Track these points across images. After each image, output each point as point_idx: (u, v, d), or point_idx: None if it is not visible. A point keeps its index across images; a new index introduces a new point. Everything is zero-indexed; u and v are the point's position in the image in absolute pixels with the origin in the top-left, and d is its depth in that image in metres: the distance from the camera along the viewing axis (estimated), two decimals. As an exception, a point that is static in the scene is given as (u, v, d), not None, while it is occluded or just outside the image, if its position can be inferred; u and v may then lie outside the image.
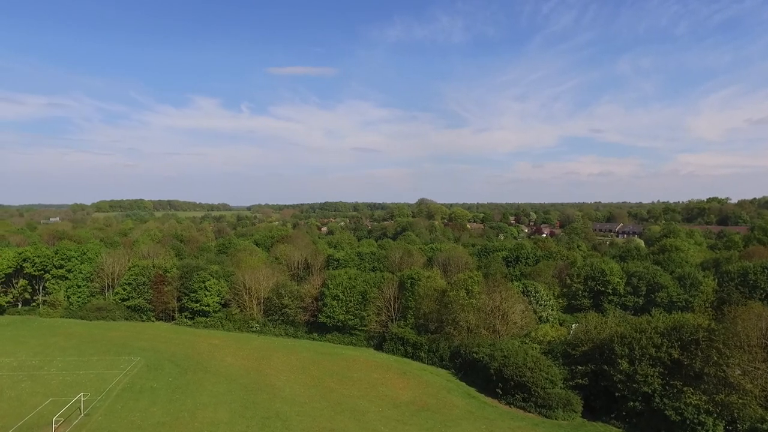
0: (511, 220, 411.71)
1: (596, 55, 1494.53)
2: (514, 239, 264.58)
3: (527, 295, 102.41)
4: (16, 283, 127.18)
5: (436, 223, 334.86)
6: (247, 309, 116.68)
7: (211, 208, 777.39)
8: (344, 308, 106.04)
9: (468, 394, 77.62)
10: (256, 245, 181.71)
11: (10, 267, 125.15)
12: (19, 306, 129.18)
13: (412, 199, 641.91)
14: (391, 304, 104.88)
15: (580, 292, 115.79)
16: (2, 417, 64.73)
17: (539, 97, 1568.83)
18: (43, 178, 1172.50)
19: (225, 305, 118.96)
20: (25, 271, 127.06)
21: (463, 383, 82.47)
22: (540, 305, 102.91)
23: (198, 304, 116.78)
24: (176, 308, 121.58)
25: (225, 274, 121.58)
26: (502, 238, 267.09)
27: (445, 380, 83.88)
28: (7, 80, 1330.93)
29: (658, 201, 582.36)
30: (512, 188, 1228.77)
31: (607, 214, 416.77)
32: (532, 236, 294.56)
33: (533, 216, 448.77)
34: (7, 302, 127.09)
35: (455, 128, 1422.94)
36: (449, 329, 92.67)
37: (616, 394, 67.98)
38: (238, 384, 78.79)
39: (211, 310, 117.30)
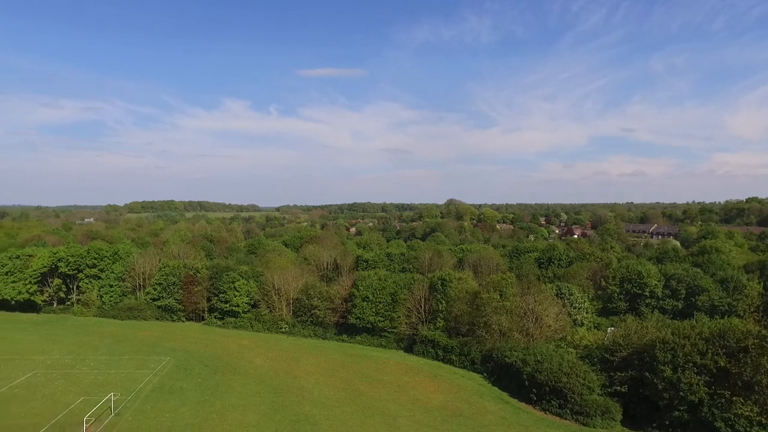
0: (542, 221, 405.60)
1: (627, 53, 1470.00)
2: (546, 240, 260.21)
3: (561, 298, 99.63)
4: (52, 282, 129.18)
5: (466, 224, 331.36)
6: (276, 310, 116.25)
7: (241, 209, 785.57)
8: (374, 310, 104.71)
9: (501, 399, 75.49)
10: (285, 246, 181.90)
11: (46, 266, 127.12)
12: (54, 305, 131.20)
13: (441, 200, 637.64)
14: (421, 306, 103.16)
15: (615, 294, 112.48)
16: (36, 414, 65.11)
17: (569, 97, 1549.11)
18: (78, 179, 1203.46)
19: (254, 306, 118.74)
20: (59, 271, 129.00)
21: (496, 388, 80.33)
22: (574, 308, 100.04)
23: (227, 305, 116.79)
24: (206, 308, 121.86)
25: (254, 275, 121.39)
26: (533, 239, 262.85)
27: (477, 384, 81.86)
28: (47, 85, 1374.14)
29: (694, 201, 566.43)
30: (542, 189, 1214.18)
31: (641, 215, 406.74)
32: (563, 237, 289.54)
33: (564, 217, 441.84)
34: (42, 301, 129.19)
35: (484, 129, 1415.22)
36: (481, 332, 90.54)
37: (659, 402, 65.02)
38: (267, 386, 78.07)
39: (240, 311, 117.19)
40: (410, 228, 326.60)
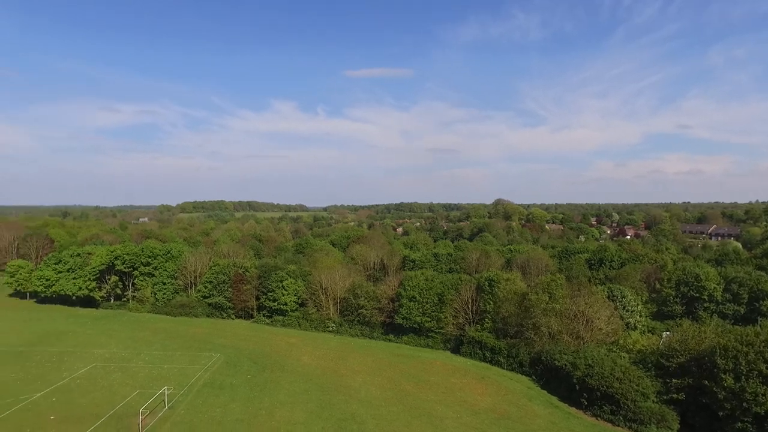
0: (592, 221, 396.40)
1: (683, 47, 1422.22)
2: (597, 241, 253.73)
3: (613, 300, 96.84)
4: (109, 279, 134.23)
5: (514, 224, 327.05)
6: (324, 309, 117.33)
7: (289, 208, 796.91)
8: (421, 310, 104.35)
9: (550, 403, 73.97)
10: (333, 245, 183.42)
11: (104, 264, 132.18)
12: (111, 301, 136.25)
13: (489, 200, 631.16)
14: (468, 307, 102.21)
15: (671, 297, 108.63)
16: (96, 405, 67.90)
17: (621, 93, 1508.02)
18: (134, 180, 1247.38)
19: (302, 305, 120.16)
20: (116, 268, 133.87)
21: (545, 391, 78.80)
22: (627, 311, 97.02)
23: (276, 303, 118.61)
24: (255, 306, 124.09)
25: (302, 274, 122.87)
26: (583, 240, 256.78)
27: (525, 387, 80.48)
28: (105, 90, 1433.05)
29: (757, 201, 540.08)
30: (592, 188, 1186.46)
31: (698, 215, 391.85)
32: (615, 238, 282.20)
33: (616, 217, 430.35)
34: (101, 297, 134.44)
35: (532, 127, 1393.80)
36: (530, 334, 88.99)
37: (720, 412, 62.25)
38: (315, 384, 78.87)
39: (288, 309, 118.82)
40: (457, 228, 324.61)
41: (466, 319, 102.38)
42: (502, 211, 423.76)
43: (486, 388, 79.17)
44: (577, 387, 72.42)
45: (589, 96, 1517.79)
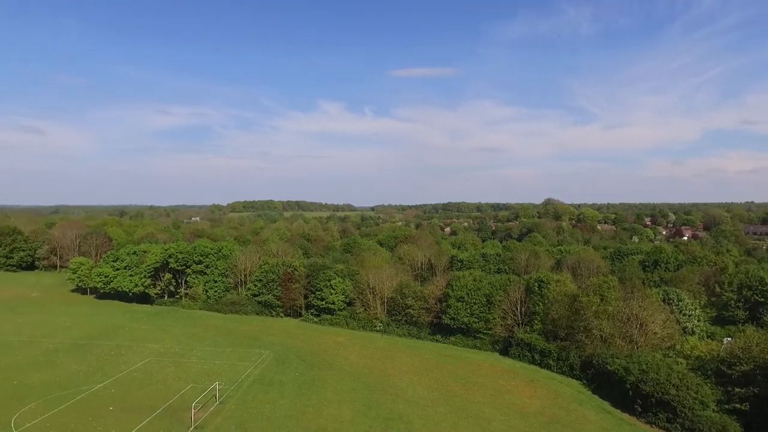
0: (647, 221, 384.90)
1: (746, 39, 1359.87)
2: (651, 242, 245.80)
3: (669, 304, 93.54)
4: (163, 276, 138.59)
5: (564, 224, 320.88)
6: (371, 308, 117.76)
7: (336, 208, 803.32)
8: (468, 310, 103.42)
9: (602, 409, 71.96)
10: (380, 245, 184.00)
11: (158, 262, 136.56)
12: (165, 297, 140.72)
13: (538, 200, 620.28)
14: (517, 308, 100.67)
15: (732, 302, 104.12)
16: (152, 398, 70.17)
17: (678, 89, 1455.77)
18: (187, 181, 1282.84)
19: (350, 304, 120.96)
20: (170, 266, 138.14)
21: (596, 396, 76.70)
22: (684, 315, 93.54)
23: (324, 302, 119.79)
24: (303, 305, 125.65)
25: (350, 273, 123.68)
26: (637, 241, 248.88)
27: (576, 391, 78.62)
28: (158, 94, 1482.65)
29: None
30: (647, 187, 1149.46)
31: (763, 215, 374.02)
32: (671, 239, 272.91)
33: (672, 217, 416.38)
34: (155, 293, 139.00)
35: (583, 125, 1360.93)
36: (580, 337, 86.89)
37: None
38: (362, 383, 79.20)
39: (336, 308, 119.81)
40: (506, 228, 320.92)
41: (515, 320, 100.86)
42: (551, 210, 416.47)
43: (535, 391, 77.76)
44: (631, 393, 70.14)
45: (644, 92, 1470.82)
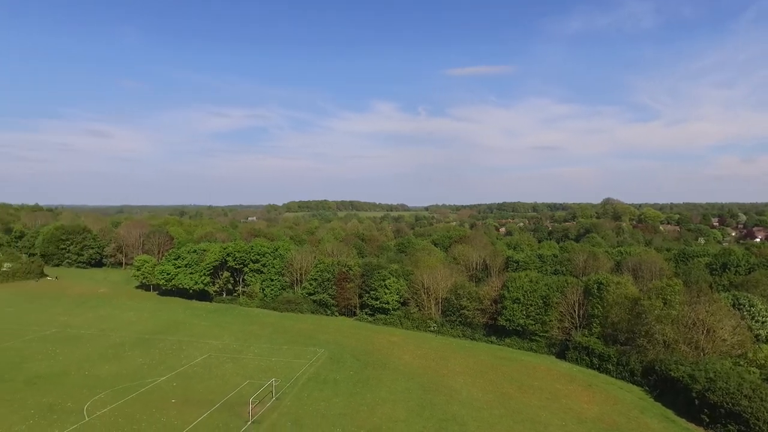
0: (714, 222, 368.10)
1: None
2: (719, 244, 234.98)
3: (739, 309, 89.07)
4: (221, 274, 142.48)
5: (624, 224, 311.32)
6: (425, 308, 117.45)
7: (390, 208, 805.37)
8: (524, 312, 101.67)
9: (665, 417, 69.16)
10: (434, 245, 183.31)
11: (217, 260, 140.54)
12: (224, 295, 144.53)
13: (596, 199, 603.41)
14: (575, 311, 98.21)
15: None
16: (211, 392, 72.21)
17: (749, 81, 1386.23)
18: (243, 181, 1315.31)
19: (404, 304, 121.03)
20: (228, 265, 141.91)
21: (659, 404, 73.79)
22: (757, 321, 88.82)
23: (378, 302, 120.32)
24: (357, 304, 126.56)
25: (404, 273, 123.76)
26: (703, 243, 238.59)
27: (637, 398, 75.94)
28: (216, 97, 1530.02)
29: None
30: (713, 186, 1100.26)
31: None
32: (741, 241, 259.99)
33: (742, 218, 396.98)
34: (214, 291, 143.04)
35: (644, 122, 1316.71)
36: (642, 342, 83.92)
37: None
38: (416, 383, 79.05)
39: (390, 308, 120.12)
40: (563, 228, 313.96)
41: (573, 323, 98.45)
42: (611, 210, 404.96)
43: (593, 396, 75.63)
44: (697, 402, 67.09)
45: (711, 85, 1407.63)
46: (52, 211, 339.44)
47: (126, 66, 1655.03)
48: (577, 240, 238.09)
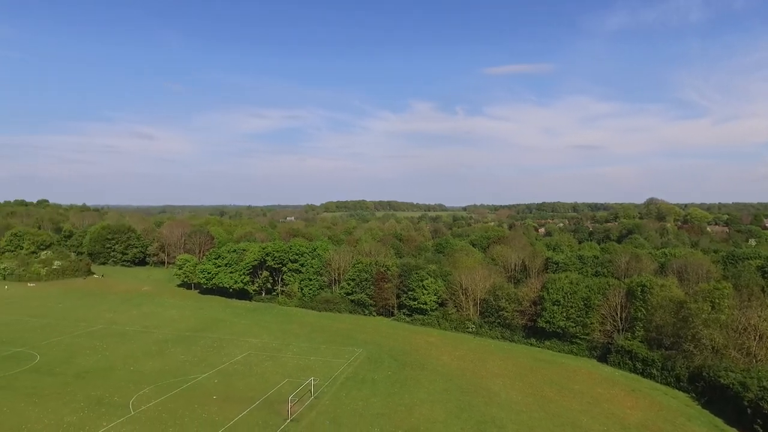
0: (766, 222, 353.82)
1: None
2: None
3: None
4: (261, 274, 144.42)
5: (669, 225, 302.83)
6: (464, 309, 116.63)
7: (428, 208, 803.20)
8: (565, 314, 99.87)
9: (714, 426, 66.75)
10: (472, 245, 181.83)
11: (256, 260, 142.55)
12: (263, 294, 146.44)
13: (639, 199, 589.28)
14: (617, 313, 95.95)
15: None
16: (251, 389, 73.31)
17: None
18: (281, 181, 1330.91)
19: (442, 304, 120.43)
20: (267, 264, 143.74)
21: (707, 411, 71.26)
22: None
23: (416, 302, 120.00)
24: (395, 305, 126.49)
25: (442, 274, 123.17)
26: (754, 244, 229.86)
27: (683, 405, 73.59)
28: (255, 98, 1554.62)
29: None
30: (766, 185, 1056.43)
31: None
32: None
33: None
34: (253, 290, 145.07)
35: (691, 119, 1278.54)
36: (688, 346, 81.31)
37: None
38: (454, 384, 78.54)
39: (428, 309, 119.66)
40: (604, 229, 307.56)
41: (615, 326, 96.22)
42: (654, 211, 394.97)
43: (636, 402, 73.68)
44: (750, 411, 64.56)
45: (764, 80, 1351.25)
46: (99, 211, 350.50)
47: (169, 70, 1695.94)
48: (619, 241, 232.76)
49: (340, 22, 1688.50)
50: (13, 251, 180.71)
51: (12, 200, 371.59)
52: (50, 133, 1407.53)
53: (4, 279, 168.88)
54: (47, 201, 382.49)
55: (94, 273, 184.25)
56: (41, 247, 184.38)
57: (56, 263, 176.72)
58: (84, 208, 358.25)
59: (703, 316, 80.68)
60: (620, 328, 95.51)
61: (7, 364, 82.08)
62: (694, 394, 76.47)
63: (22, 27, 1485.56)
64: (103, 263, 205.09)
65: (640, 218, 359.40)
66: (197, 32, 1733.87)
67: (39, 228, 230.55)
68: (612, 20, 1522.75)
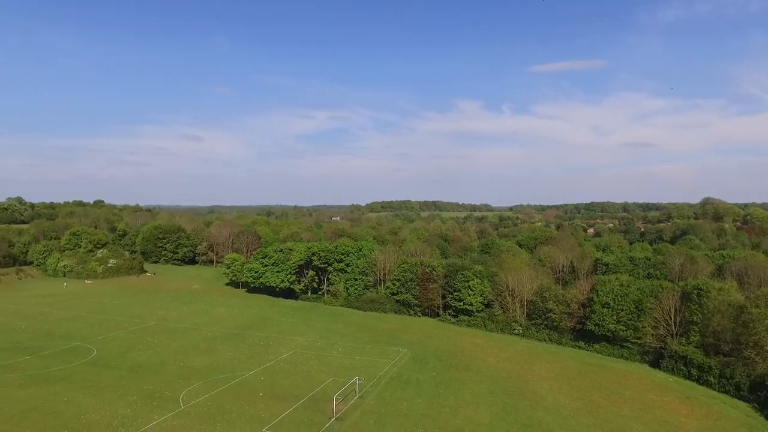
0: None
1: None
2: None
3: None
4: (307, 273, 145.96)
5: (726, 225, 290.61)
6: (510, 311, 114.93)
7: (473, 208, 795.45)
8: (615, 317, 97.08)
9: (776, 436, 63.70)
10: (519, 246, 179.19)
11: (302, 259, 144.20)
12: (309, 293, 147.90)
13: (694, 198, 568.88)
14: (670, 317, 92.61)
15: None
16: (297, 387, 74.06)
17: None
18: (327, 182, 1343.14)
19: (488, 305, 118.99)
20: (313, 264, 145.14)
21: (770, 422, 68.07)
22: None
23: (461, 303, 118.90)
24: (440, 305, 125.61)
25: (488, 275, 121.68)
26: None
27: (743, 415, 70.28)
28: (302, 100, 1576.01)
29: None
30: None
31: None
32: None
33: None
34: (299, 290, 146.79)
35: (751, 114, 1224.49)
36: (749, 353, 77.73)
37: None
38: (500, 386, 77.38)
39: (474, 310, 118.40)
40: (657, 230, 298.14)
41: (668, 330, 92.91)
42: (711, 211, 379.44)
43: (692, 410, 70.86)
44: (813, 419, 61.39)
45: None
46: (151, 212, 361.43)
47: (217, 73, 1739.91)
48: (672, 242, 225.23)
49: (386, 24, 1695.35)
50: (72, 249, 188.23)
51: (71, 201, 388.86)
52: (106, 136, 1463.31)
53: (64, 276, 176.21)
54: (103, 201, 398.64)
55: (146, 271, 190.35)
56: (98, 245, 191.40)
57: (111, 261, 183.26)
58: (137, 208, 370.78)
59: (766, 322, 76.97)
60: (674, 332, 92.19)
61: (67, 357, 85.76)
62: (756, 405, 73.06)
63: (87, 37, 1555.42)
64: (155, 262, 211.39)
65: (695, 218, 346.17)
66: (245, 36, 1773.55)
67: (95, 227, 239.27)
68: (666, 13, 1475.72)
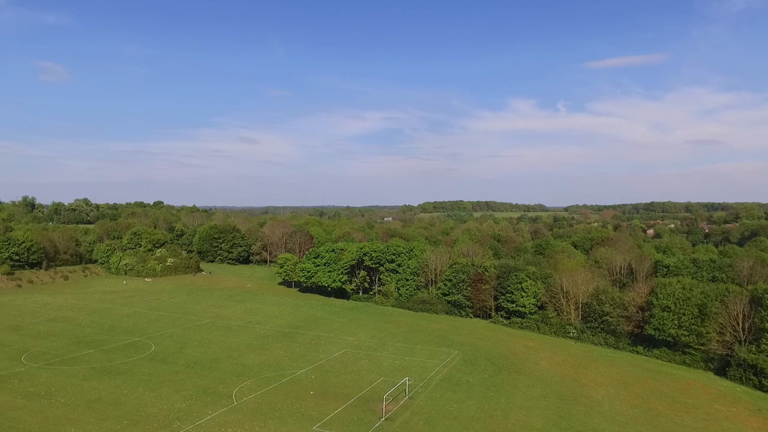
0: None
1: None
2: None
3: None
4: (358, 273, 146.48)
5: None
6: (564, 313, 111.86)
7: (527, 208, 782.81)
8: (676, 322, 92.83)
9: None
10: (574, 247, 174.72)
11: (354, 259, 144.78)
12: (360, 293, 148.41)
13: (765, 198, 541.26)
14: (738, 323, 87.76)
15: None
16: (347, 386, 74.12)
17: None
18: (379, 182, 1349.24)
19: (541, 308, 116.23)
20: (364, 264, 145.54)
21: None
22: None
23: (514, 305, 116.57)
24: (493, 307, 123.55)
25: (542, 276, 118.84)
26: None
27: (819, 428, 65.87)
28: (354, 101, 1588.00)
29: None
30: None
31: None
32: None
33: None
34: (351, 289, 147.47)
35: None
36: (824, 362, 72.83)
37: None
38: (553, 390, 75.21)
39: (527, 312, 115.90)
40: (722, 231, 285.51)
41: (735, 337, 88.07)
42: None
43: (764, 423, 66.74)
44: None
45: None
46: (207, 212, 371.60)
47: (271, 76, 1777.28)
48: (740, 244, 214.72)
49: (437, 23, 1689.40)
50: (133, 249, 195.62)
51: (132, 202, 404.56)
52: (166, 139, 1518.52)
53: (125, 274, 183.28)
54: (162, 202, 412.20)
55: (202, 270, 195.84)
56: (156, 245, 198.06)
57: (170, 260, 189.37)
58: (194, 209, 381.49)
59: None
60: (742, 339, 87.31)
61: (127, 352, 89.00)
62: (833, 417, 68.31)
63: (148, 45, 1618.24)
64: (211, 261, 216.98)
65: (766, 219, 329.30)
66: (298, 40, 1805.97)
67: (155, 227, 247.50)
68: (736, 2, 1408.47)
